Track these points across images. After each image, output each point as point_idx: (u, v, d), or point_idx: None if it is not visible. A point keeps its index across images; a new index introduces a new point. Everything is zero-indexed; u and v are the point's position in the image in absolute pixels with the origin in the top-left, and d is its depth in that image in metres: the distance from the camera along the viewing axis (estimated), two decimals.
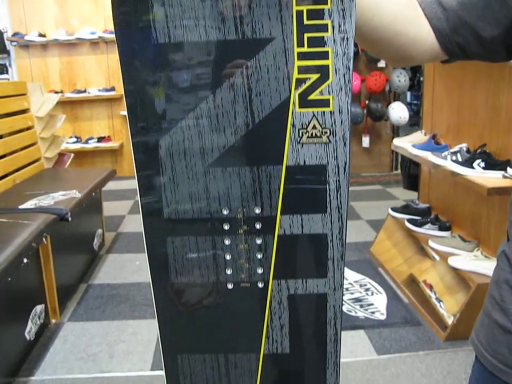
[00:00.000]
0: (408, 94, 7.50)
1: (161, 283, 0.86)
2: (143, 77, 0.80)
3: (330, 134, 0.81)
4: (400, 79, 5.79)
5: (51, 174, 4.21)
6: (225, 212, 0.83)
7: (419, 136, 3.60)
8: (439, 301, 3.03)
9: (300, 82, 0.80)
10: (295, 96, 0.80)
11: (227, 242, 0.82)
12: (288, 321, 0.86)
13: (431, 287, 3.18)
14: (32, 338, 2.86)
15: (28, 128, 4.15)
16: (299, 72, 0.80)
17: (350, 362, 2.66)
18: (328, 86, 0.80)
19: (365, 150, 6.42)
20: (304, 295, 0.84)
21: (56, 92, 6.19)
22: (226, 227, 0.83)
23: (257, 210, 0.82)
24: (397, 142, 3.67)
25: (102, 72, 6.58)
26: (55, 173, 4.28)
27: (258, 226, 0.83)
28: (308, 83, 0.80)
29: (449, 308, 2.95)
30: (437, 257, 3.29)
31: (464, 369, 2.60)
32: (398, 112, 5.77)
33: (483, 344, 1.01)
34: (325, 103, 0.80)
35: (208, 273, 0.84)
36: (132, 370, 2.67)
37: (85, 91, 6.47)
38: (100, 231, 4.21)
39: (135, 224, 4.94)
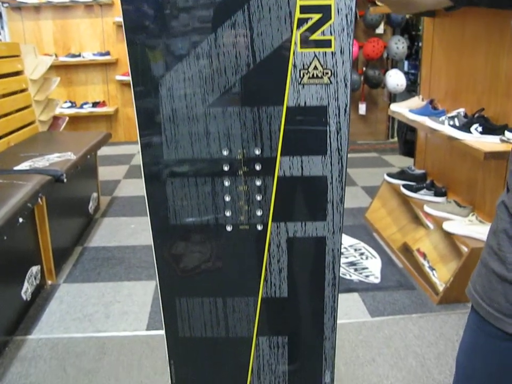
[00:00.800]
0: (406, 63, 7.44)
1: (160, 226, 0.86)
2: (145, 15, 0.78)
3: (331, 75, 0.79)
4: (398, 45, 5.74)
5: (46, 136, 4.18)
6: (225, 153, 0.82)
7: (416, 102, 3.58)
8: (432, 269, 3.05)
9: (301, 22, 0.79)
10: (296, 36, 0.79)
11: (226, 183, 0.82)
12: (286, 264, 0.86)
13: (424, 256, 3.20)
14: (28, 299, 2.87)
15: (22, 91, 4.11)
16: (301, 12, 0.79)
17: (344, 324, 2.69)
18: (330, 26, 0.79)
19: (361, 117, 6.39)
20: (303, 238, 0.84)
21: (50, 56, 6.11)
22: (226, 168, 0.82)
23: (257, 152, 0.81)
24: (394, 107, 3.65)
25: (97, 36, 6.50)
26: (49, 136, 4.25)
27: (258, 167, 0.82)
28: (310, 23, 0.79)
29: (441, 276, 2.97)
30: (431, 226, 3.31)
31: (456, 331, 2.63)
32: (395, 79, 5.73)
33: (479, 293, 1.02)
34: (327, 43, 0.79)
35: (207, 215, 0.84)
36: (127, 330, 2.68)
37: (79, 55, 6.39)
38: (95, 194, 4.20)
39: (130, 188, 4.93)
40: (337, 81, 0.80)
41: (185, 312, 0.89)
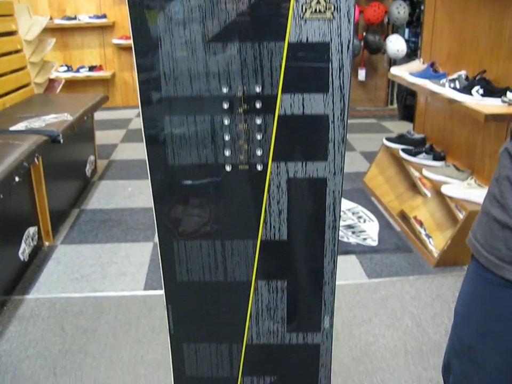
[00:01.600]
0: (406, 30, 7.35)
1: (158, 166, 0.84)
2: None
3: (334, 9, 0.77)
4: (400, 10, 5.66)
5: (42, 98, 4.14)
6: (224, 90, 0.80)
7: (417, 65, 3.54)
8: (429, 237, 3.05)
9: None
10: None
11: (226, 122, 0.80)
12: (286, 206, 0.84)
13: (421, 223, 3.20)
14: (26, 259, 2.87)
15: (17, 51, 4.04)
16: None
17: (341, 285, 2.69)
18: None
19: (360, 83, 6.33)
20: (304, 179, 0.83)
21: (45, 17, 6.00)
22: (225, 106, 0.80)
23: (258, 89, 0.79)
24: (394, 70, 3.61)
25: None
26: (45, 98, 4.21)
27: (258, 105, 0.80)
28: None
29: (438, 244, 2.97)
30: (428, 194, 3.30)
31: (453, 293, 2.64)
32: (396, 45, 5.66)
33: (480, 242, 1.01)
34: None
35: (206, 154, 0.82)
36: (125, 290, 2.69)
37: (75, 18, 6.29)
38: (92, 157, 4.17)
39: (127, 152, 4.91)
40: (340, 17, 0.77)
41: (183, 255, 0.88)
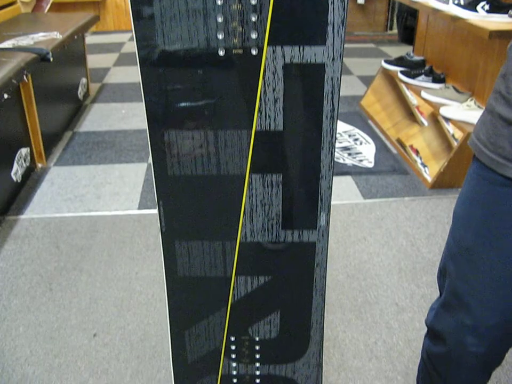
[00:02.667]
0: None
1: (146, 53, 0.79)
2: None
3: None
4: None
5: (29, 17, 4.00)
6: None
7: None
8: (424, 166, 3.02)
9: None
10: None
11: (219, 2, 0.74)
12: (282, 94, 0.80)
13: (417, 152, 3.16)
14: (19, 180, 2.84)
15: None
16: None
17: (336, 205, 2.69)
18: None
19: (359, 6, 6.15)
20: (301, 65, 0.78)
21: None
22: None
23: None
24: None
25: None
26: (33, 17, 4.07)
27: None
28: None
29: (433, 173, 2.94)
30: (425, 123, 3.24)
31: (447, 214, 2.64)
32: None
33: (483, 141, 0.98)
34: None
35: (198, 37, 0.77)
36: (119, 210, 2.68)
37: None
38: (84, 80, 4.08)
39: (120, 75, 4.80)
40: None
41: (175, 146, 0.84)
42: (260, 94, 0.79)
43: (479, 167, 1.00)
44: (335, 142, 0.83)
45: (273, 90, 0.79)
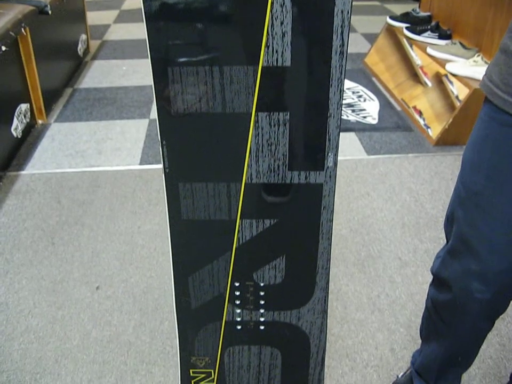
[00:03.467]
0: None
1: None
2: None
3: None
4: None
5: None
6: None
7: None
8: (427, 127, 2.98)
9: None
10: None
11: None
12: (290, 28, 0.77)
13: (420, 113, 3.11)
14: (19, 136, 2.82)
15: None
16: None
17: (340, 160, 2.64)
18: None
19: None
20: None
21: None
22: None
23: None
24: None
25: None
26: None
27: None
28: None
29: (436, 132, 2.90)
30: (429, 84, 3.18)
31: (452, 171, 2.61)
32: None
33: (495, 82, 0.95)
34: None
35: None
36: (120, 165, 2.66)
37: None
38: (84, 36, 4.01)
39: (121, 32, 4.72)
40: None
41: (178, 81, 0.81)
42: (267, 28, 0.75)
43: (490, 109, 0.97)
44: (344, 78, 0.80)
45: (281, 23, 0.76)
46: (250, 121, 0.82)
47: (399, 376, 1.55)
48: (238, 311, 1.06)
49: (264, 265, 1.00)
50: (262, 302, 1.04)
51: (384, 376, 1.60)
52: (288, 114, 0.82)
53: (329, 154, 0.86)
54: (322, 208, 0.92)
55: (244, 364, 1.15)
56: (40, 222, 2.26)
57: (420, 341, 1.50)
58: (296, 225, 0.95)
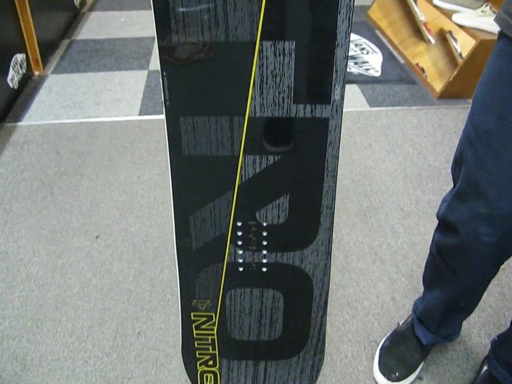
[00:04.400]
0: None
1: None
2: None
3: None
4: None
5: None
6: None
7: None
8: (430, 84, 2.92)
9: None
10: None
11: None
12: None
13: (423, 70, 3.04)
14: (15, 87, 2.76)
15: None
16: None
17: None
18: None
19: None
20: None
21: None
22: None
23: None
24: None
25: None
26: None
27: None
28: None
29: (440, 87, 2.84)
30: (432, 41, 3.11)
31: (455, 124, 2.58)
32: None
33: None
34: None
35: None
36: (119, 116, 2.62)
37: None
38: None
39: None
40: None
41: (180, 19, 0.77)
42: None
43: (505, 43, 0.93)
44: (353, 6, 0.76)
45: None
46: (254, 50, 0.79)
47: (400, 323, 1.54)
48: (240, 252, 1.04)
49: (267, 204, 0.97)
50: (265, 243, 1.02)
51: (385, 324, 1.60)
52: (294, 43, 0.79)
53: (336, 87, 0.82)
54: (328, 144, 0.90)
55: (245, 307, 1.14)
56: (38, 173, 2.24)
57: (421, 290, 1.50)
58: (301, 162, 0.92)
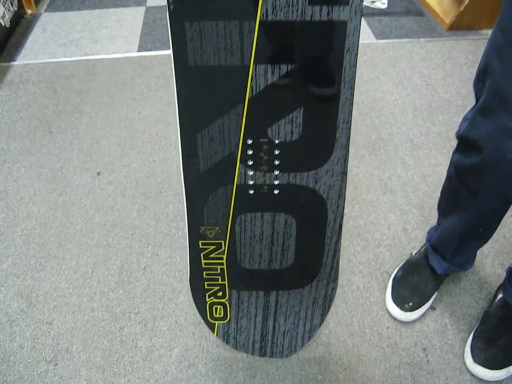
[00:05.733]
0: None
1: None
2: None
3: None
4: None
5: None
6: None
7: None
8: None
9: None
10: None
11: None
12: None
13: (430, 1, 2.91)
14: (7, 25, 2.66)
15: None
16: None
17: None
18: None
19: None
20: None
21: None
22: None
23: None
24: None
25: None
26: None
27: None
28: None
29: (450, 18, 2.72)
30: None
31: (465, 55, 2.48)
32: None
33: None
34: None
35: None
36: (117, 53, 2.53)
37: None
38: None
39: None
40: None
41: None
42: None
43: None
44: None
45: None
46: None
47: (413, 254, 1.50)
48: (251, 173, 0.98)
49: (280, 120, 0.91)
50: (277, 163, 0.96)
51: (397, 255, 1.56)
52: None
53: None
54: (345, 51, 0.83)
55: (256, 233, 1.09)
56: (36, 112, 2.17)
57: (433, 222, 1.46)
58: (316, 70, 0.85)
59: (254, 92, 0.87)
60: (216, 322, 1.27)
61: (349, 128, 0.92)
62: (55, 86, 2.33)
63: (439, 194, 1.36)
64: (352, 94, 0.88)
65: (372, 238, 1.61)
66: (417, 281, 1.42)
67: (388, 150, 1.92)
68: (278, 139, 0.93)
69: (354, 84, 0.87)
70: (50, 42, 2.65)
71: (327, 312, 1.27)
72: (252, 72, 0.85)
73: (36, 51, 2.59)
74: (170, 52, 0.84)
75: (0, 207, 1.75)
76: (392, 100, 2.16)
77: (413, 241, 1.60)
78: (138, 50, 2.51)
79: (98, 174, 1.85)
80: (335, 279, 1.20)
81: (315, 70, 0.85)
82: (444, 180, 1.29)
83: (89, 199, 1.76)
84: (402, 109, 2.11)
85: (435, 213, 1.45)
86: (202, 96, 0.88)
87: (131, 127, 2.04)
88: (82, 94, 2.25)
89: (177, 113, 0.91)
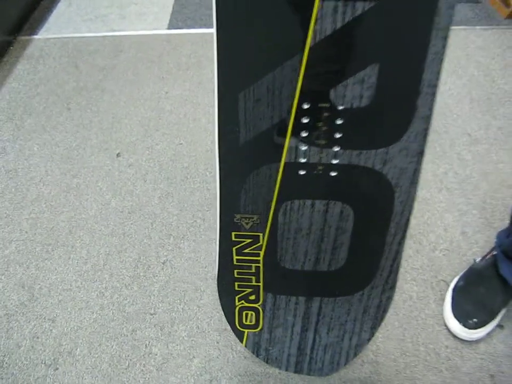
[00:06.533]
0: None
1: None
2: None
3: None
4: None
5: None
6: None
7: None
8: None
9: None
10: None
11: None
12: None
13: None
14: None
15: None
16: None
17: None
18: None
19: None
20: None
21: None
22: None
23: None
24: None
25: None
26: None
27: None
28: None
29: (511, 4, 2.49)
30: None
31: None
32: None
33: None
34: None
35: None
36: (146, 29, 2.34)
37: None
38: None
39: None
40: None
41: None
42: None
43: None
44: None
45: None
46: None
47: (477, 260, 1.29)
48: (304, 148, 0.77)
49: (347, 79, 0.70)
50: (338, 136, 0.76)
51: (455, 261, 1.34)
52: None
53: None
54: None
55: (303, 226, 0.89)
56: (54, 87, 1.99)
57: (496, 225, 1.24)
58: (400, 13, 0.64)
59: (317, 39, 0.66)
60: (246, 331, 1.07)
61: (434, 94, 0.71)
62: (77, 62, 2.15)
63: (502, 194, 1.15)
64: (445, 47, 0.67)
65: (426, 241, 1.40)
66: (483, 294, 1.20)
67: (442, 143, 1.70)
68: (342, 104, 0.72)
69: (448, 32, 0.66)
70: (75, 17, 2.48)
71: (379, 326, 1.06)
72: (317, 9, 0.64)
73: (59, 26, 2.42)
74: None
75: (8, 187, 1.57)
76: (446, 90, 1.94)
77: (474, 246, 1.39)
78: (168, 28, 2.32)
79: (118, 155, 1.67)
80: (393, 287, 0.99)
81: (398, 13, 0.64)
82: (506, 178, 1.07)
83: (106, 182, 1.58)
84: (458, 100, 1.89)
85: (499, 216, 1.24)
86: (248, 41, 0.68)
87: (157, 107, 1.85)
88: (106, 71, 2.07)
89: (215, 66, 0.71)
